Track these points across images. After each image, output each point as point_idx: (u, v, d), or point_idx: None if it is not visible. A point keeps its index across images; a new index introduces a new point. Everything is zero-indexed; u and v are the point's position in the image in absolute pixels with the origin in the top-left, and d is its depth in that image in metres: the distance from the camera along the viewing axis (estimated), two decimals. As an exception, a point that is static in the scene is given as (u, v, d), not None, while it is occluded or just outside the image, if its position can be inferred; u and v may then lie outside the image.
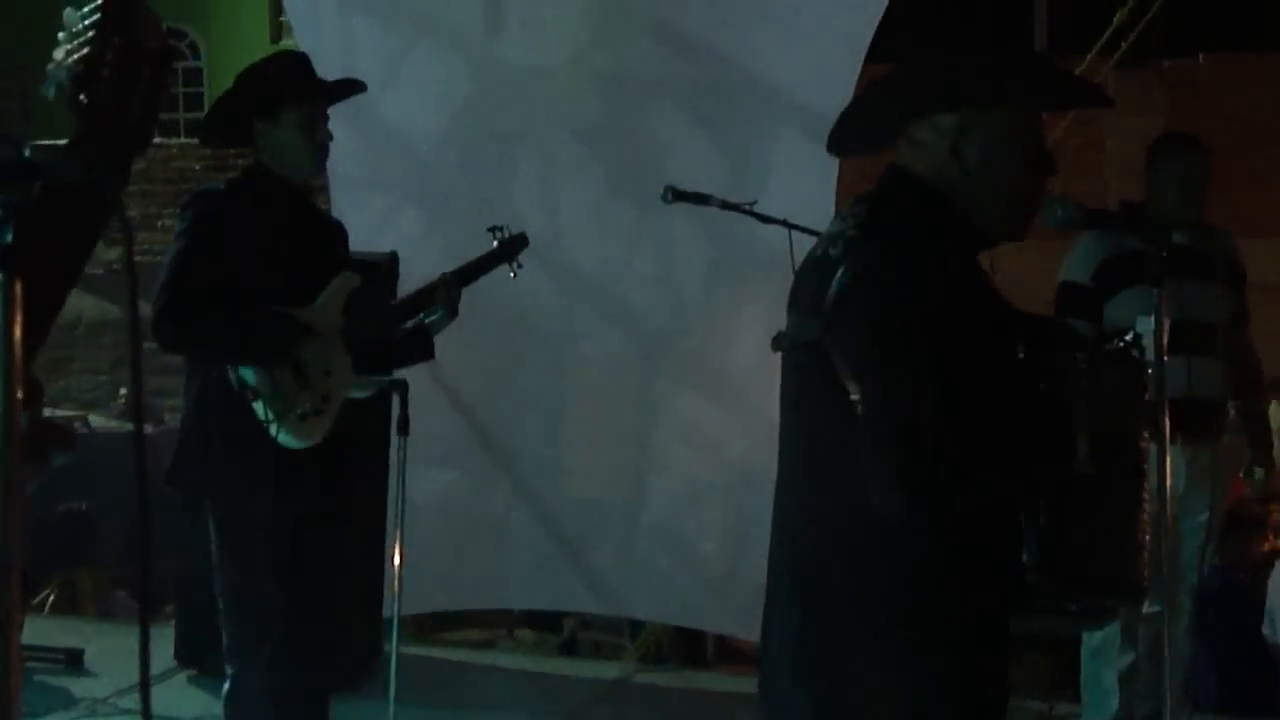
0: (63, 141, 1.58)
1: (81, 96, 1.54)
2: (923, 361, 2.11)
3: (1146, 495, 2.29)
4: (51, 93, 1.54)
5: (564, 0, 5.80)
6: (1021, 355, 2.22)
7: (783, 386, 2.39)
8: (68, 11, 1.56)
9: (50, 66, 1.53)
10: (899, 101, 2.37)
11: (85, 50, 1.54)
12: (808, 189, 5.23)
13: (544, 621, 7.69)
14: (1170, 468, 3.73)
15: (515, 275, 4.42)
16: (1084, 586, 2.27)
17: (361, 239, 5.49)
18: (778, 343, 2.37)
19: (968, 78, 2.32)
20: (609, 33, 5.78)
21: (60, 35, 1.54)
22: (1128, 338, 2.36)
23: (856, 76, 5.33)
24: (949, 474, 2.10)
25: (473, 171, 5.89)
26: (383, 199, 6.05)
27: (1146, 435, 2.30)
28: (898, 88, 2.40)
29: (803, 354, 2.30)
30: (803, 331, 2.29)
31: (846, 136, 2.51)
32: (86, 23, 1.55)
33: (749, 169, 5.57)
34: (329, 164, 5.62)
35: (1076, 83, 2.62)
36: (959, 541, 2.18)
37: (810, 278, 2.31)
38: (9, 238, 1.43)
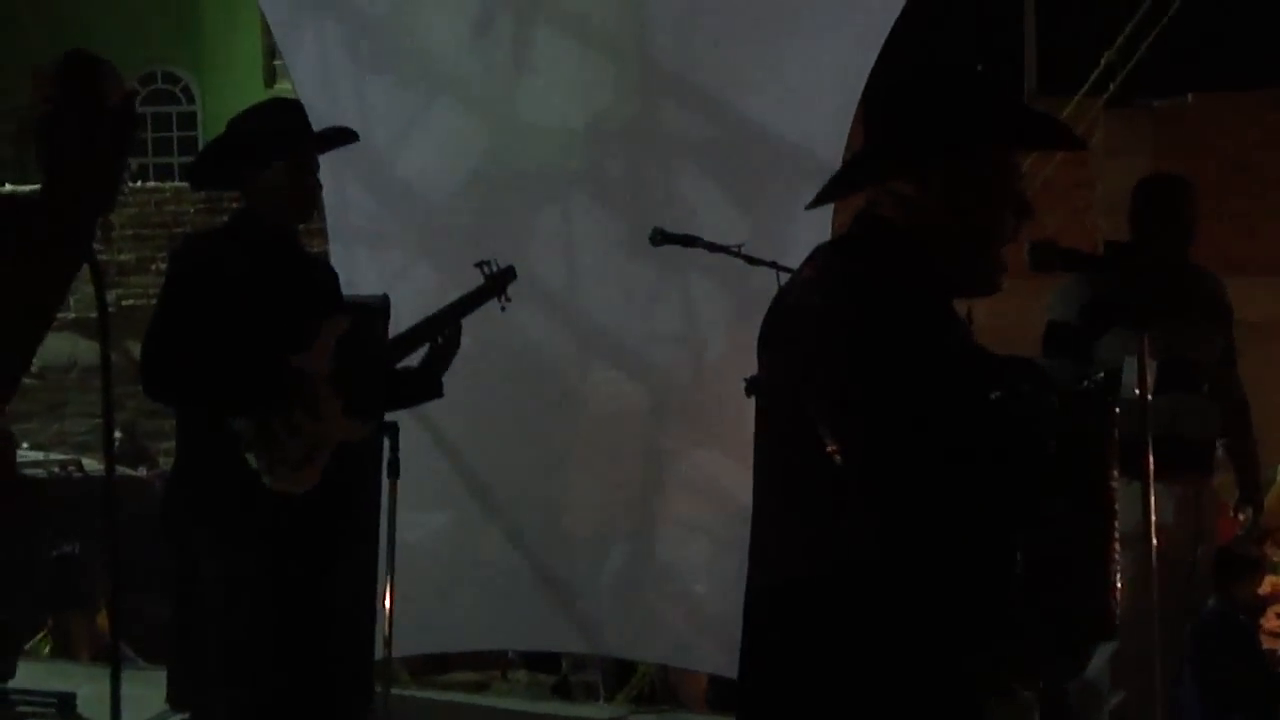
0: (35, 188, 1.61)
1: (47, 149, 1.57)
2: (901, 409, 2.12)
3: (1117, 534, 2.30)
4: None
5: (581, 57, 5.81)
6: (994, 397, 2.23)
7: (757, 427, 2.40)
8: (35, 66, 1.59)
9: (19, 118, 1.56)
10: (886, 159, 2.37)
11: (49, 105, 1.58)
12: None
13: (541, 663, 7.66)
14: (1156, 506, 3.74)
15: (504, 308, 4.44)
16: (1056, 626, 2.28)
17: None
18: (752, 386, 2.38)
19: (949, 134, 2.30)
20: (626, 89, 5.80)
21: (31, 90, 1.57)
22: (1099, 376, 2.37)
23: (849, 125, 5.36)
24: (935, 522, 2.11)
25: (488, 227, 5.84)
26: (397, 255, 6.03)
27: (1117, 473, 2.31)
28: (884, 143, 2.39)
29: (776, 396, 2.31)
30: (775, 375, 2.30)
31: (830, 189, 2.51)
32: (51, 77, 1.58)
33: (770, 223, 5.55)
34: (336, 218, 5.66)
35: (1052, 126, 2.63)
36: (944, 586, 2.18)
37: (782, 322, 2.33)
38: None
